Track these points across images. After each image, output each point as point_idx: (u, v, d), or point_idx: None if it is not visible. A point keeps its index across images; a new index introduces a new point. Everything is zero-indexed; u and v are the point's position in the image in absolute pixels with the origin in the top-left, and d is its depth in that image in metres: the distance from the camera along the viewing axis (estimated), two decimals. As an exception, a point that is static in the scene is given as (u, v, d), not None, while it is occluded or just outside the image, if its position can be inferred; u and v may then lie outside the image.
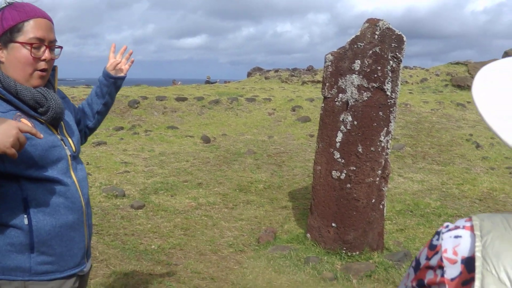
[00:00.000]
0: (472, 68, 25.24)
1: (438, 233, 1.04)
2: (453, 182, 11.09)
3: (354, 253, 6.76)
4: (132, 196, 9.01)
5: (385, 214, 7.23)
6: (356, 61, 6.70)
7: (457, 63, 27.45)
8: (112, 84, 3.08)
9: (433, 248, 1.02)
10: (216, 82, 34.05)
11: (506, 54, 26.16)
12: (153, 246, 6.90)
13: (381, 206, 6.95)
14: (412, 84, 25.63)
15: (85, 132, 3.12)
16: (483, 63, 25.50)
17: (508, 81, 1.07)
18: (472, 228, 0.97)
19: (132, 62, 3.17)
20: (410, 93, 22.44)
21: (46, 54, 2.45)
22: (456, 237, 0.99)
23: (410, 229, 8.06)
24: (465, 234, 0.98)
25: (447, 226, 1.04)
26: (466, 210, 9.18)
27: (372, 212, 6.82)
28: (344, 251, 6.78)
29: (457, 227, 1.01)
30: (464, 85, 23.38)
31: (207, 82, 32.99)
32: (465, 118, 17.57)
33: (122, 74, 3.12)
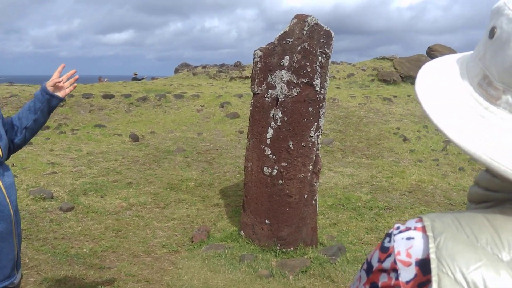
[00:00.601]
0: (398, 63, 25.85)
1: (389, 235, 1.02)
2: (382, 175, 11.33)
3: (288, 249, 6.78)
4: (60, 198, 8.75)
5: (317, 209, 7.29)
6: (285, 57, 6.70)
7: (383, 58, 28.09)
8: (46, 100, 2.91)
9: (385, 251, 1.00)
10: (144, 78, 33.63)
11: (430, 49, 27.02)
12: (84, 250, 6.72)
13: (313, 201, 7.00)
14: (339, 79, 26.06)
15: (10, 148, 2.89)
16: (408, 58, 26.20)
17: (449, 79, 1.07)
18: (424, 229, 0.96)
19: (74, 87, 3.05)
20: (337, 88, 22.81)
21: None
22: (409, 238, 0.97)
23: (342, 223, 8.18)
24: (417, 235, 0.96)
25: (398, 228, 1.02)
26: (397, 202, 9.39)
27: (305, 208, 6.85)
28: (278, 248, 6.79)
29: (408, 229, 0.99)
30: (390, 80, 23.93)
31: (134, 78, 32.49)
32: (392, 112, 17.99)
33: (59, 95, 2.97)
